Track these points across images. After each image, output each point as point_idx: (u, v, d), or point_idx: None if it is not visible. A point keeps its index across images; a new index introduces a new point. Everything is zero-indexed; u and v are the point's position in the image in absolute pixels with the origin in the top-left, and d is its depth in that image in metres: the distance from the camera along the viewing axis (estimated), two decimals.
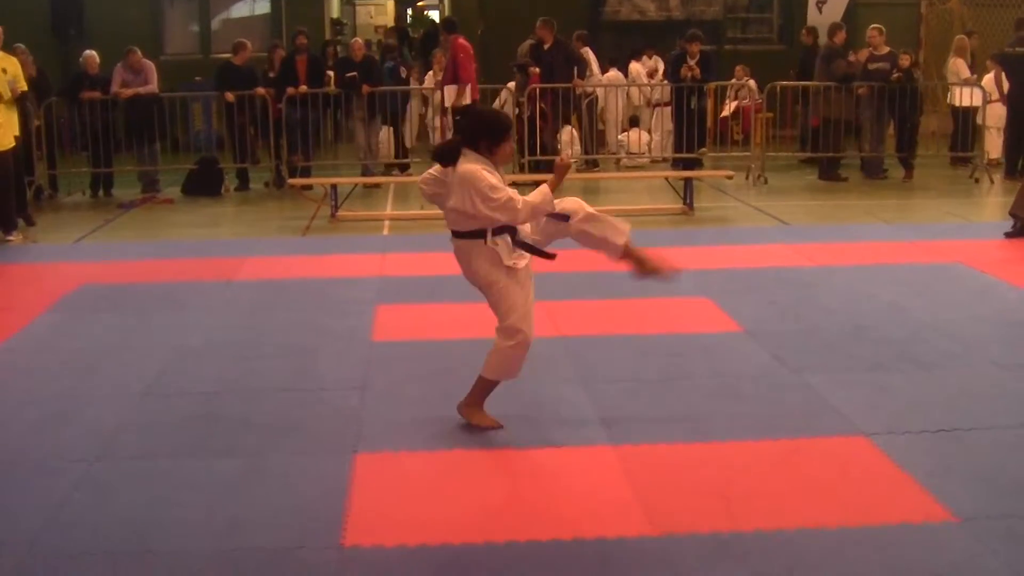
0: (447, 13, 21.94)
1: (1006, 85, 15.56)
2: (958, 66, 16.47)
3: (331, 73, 15.78)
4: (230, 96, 15.17)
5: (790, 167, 17.05)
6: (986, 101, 15.86)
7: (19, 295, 9.20)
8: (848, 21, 17.92)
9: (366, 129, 15.64)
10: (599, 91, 17.23)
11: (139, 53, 15.17)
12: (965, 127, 16.03)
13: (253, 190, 15.52)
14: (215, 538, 4.57)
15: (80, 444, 5.64)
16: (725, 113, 19.07)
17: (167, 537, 4.58)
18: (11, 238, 11.52)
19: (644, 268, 5.77)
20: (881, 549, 4.37)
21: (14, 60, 12.09)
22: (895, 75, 15.42)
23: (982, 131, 16.13)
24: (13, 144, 11.67)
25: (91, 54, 15.28)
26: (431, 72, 17.19)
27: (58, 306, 8.64)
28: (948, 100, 16.91)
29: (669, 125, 16.87)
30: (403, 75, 16.75)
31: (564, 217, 5.66)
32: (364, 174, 15.50)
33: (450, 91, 15.00)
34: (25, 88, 12.17)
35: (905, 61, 15.71)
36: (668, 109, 16.89)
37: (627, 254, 5.72)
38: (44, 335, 7.86)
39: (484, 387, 5.80)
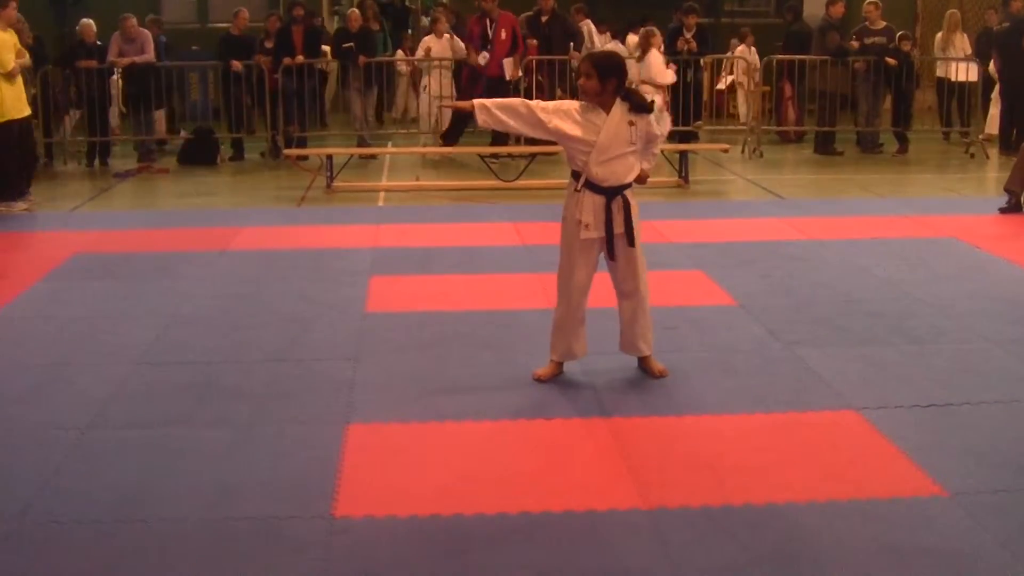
0: None
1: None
2: (964, 42, 16.38)
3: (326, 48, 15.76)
4: (237, 65, 15.11)
5: (786, 140, 17.04)
6: (983, 76, 15.84)
7: (14, 264, 9.18)
8: None
9: (362, 100, 15.59)
10: None
11: (133, 20, 15.09)
12: (960, 102, 16.03)
13: (249, 160, 15.49)
14: (206, 507, 4.57)
15: (72, 412, 5.64)
16: (721, 86, 19.03)
17: (159, 505, 4.59)
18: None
19: None
20: (871, 523, 4.39)
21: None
22: (891, 61, 15.39)
23: (976, 106, 16.12)
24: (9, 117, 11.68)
25: (88, 22, 15.17)
26: (429, 38, 17.03)
27: (53, 275, 8.63)
28: (944, 74, 16.77)
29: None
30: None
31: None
32: (360, 145, 15.47)
33: (508, 64, 15.01)
34: (24, 59, 12.08)
35: (906, 46, 15.69)
36: None
37: None
38: (38, 304, 7.86)
39: None
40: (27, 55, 12.11)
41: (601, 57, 5.92)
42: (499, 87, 14.57)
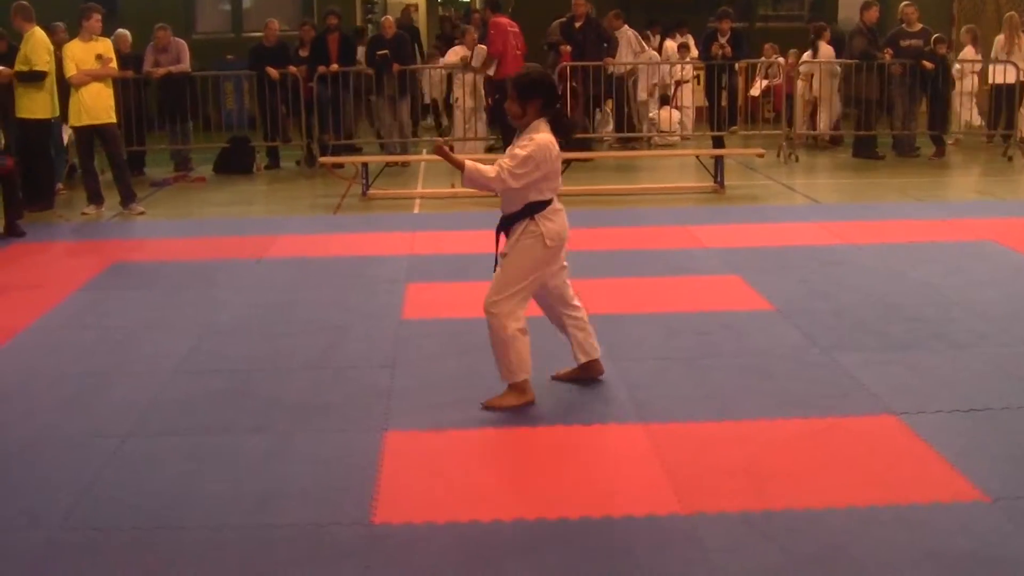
0: None
1: None
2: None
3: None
4: (274, 73, 15.15)
5: (822, 145, 16.96)
6: (1020, 79, 15.68)
7: (52, 273, 9.25)
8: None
9: (393, 107, 15.61)
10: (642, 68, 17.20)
11: (167, 30, 15.19)
12: (1010, 104, 15.88)
13: (284, 168, 15.56)
14: (245, 514, 4.60)
15: (112, 421, 5.69)
16: (754, 93, 18.93)
17: (198, 513, 4.61)
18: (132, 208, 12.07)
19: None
20: (911, 528, 4.36)
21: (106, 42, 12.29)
22: (927, 64, 15.29)
23: (1015, 108, 15.96)
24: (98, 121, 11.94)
25: (123, 33, 15.27)
26: (458, 48, 17.07)
27: (91, 284, 8.70)
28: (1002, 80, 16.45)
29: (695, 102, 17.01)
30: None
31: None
32: (385, 152, 15.48)
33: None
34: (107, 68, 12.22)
35: (942, 49, 15.58)
36: (688, 87, 16.99)
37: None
38: (77, 313, 7.92)
39: None
40: (114, 62, 12.28)
41: (517, 77, 5.78)
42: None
